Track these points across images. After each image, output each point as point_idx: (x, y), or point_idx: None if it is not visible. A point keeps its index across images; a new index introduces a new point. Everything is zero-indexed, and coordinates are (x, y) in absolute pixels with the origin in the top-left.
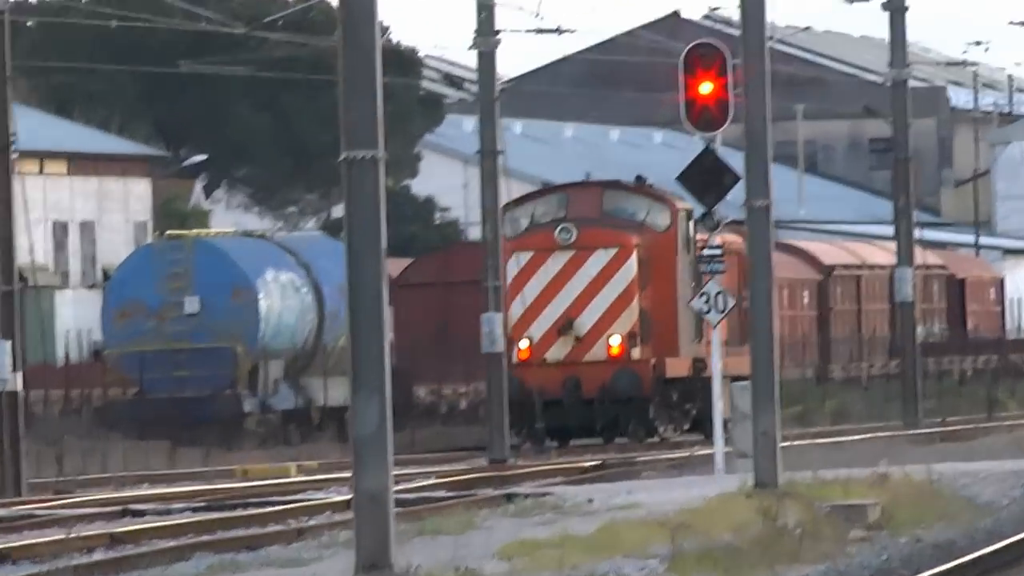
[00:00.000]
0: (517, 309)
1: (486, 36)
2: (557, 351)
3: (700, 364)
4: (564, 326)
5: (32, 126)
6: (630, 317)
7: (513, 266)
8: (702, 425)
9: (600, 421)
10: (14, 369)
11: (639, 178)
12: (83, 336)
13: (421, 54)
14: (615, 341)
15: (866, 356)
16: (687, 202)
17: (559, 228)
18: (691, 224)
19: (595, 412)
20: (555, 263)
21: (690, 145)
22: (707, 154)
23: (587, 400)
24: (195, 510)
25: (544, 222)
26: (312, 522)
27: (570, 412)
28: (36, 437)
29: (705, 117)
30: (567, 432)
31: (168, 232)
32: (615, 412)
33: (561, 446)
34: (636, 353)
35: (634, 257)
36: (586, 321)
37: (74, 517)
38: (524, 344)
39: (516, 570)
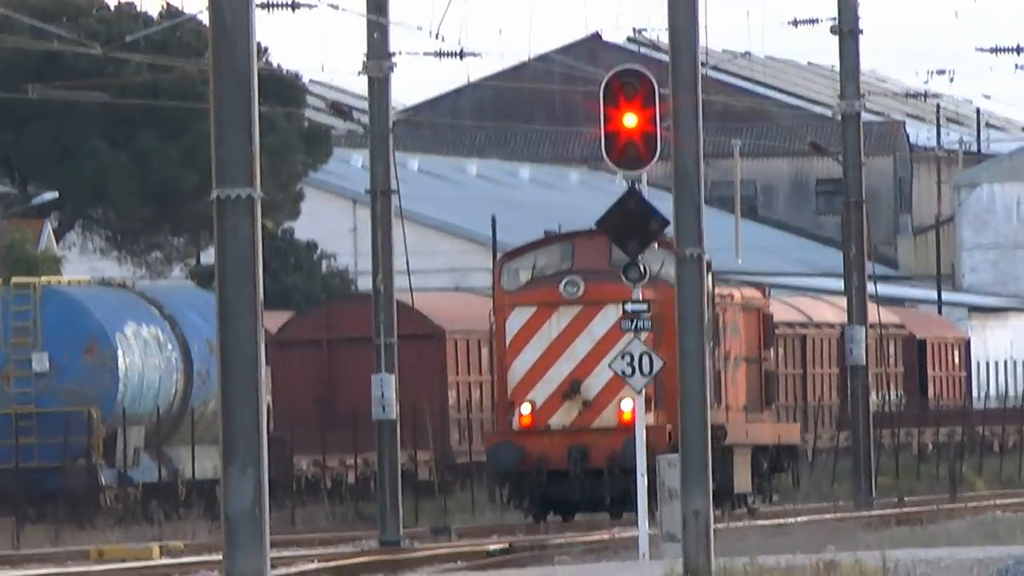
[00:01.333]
0: (518, 370)
1: (378, 60)
2: (562, 417)
3: (720, 431)
4: (570, 389)
5: None
6: None
7: (514, 323)
8: (720, 498)
9: (609, 494)
10: None
11: None
12: None
13: (305, 80)
14: (627, 406)
15: (812, 427)
16: (705, 254)
17: (564, 281)
18: (710, 278)
19: (604, 484)
20: (560, 320)
21: (611, 186)
22: (631, 196)
23: (595, 471)
24: None
25: (547, 275)
26: None
27: (576, 484)
28: None
29: (629, 154)
30: (572, 506)
31: (13, 280)
32: (626, 484)
33: (565, 521)
34: (650, 419)
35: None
36: (594, 384)
37: None
38: (526, 409)
39: None
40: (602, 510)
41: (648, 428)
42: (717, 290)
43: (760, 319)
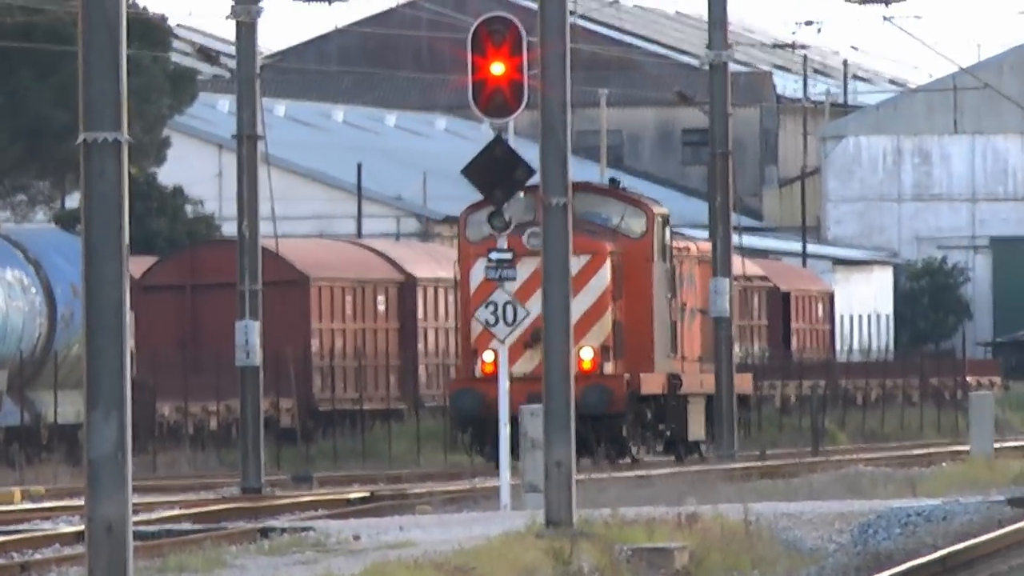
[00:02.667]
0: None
1: (246, 4)
2: (524, 365)
3: (676, 380)
4: (531, 338)
5: None
6: (603, 329)
7: (477, 273)
8: (676, 446)
9: None
10: None
11: (613, 181)
12: None
13: (172, 23)
14: (587, 355)
15: None
16: (663, 207)
17: (527, 233)
18: (667, 231)
19: None
20: (523, 270)
21: (478, 133)
22: (497, 144)
23: None
24: None
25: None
26: (38, 556)
27: None
28: None
29: (496, 102)
30: None
31: None
32: (585, 431)
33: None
34: (608, 368)
35: (607, 265)
36: None
37: None
38: (488, 357)
39: None
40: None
41: (606, 377)
42: (674, 243)
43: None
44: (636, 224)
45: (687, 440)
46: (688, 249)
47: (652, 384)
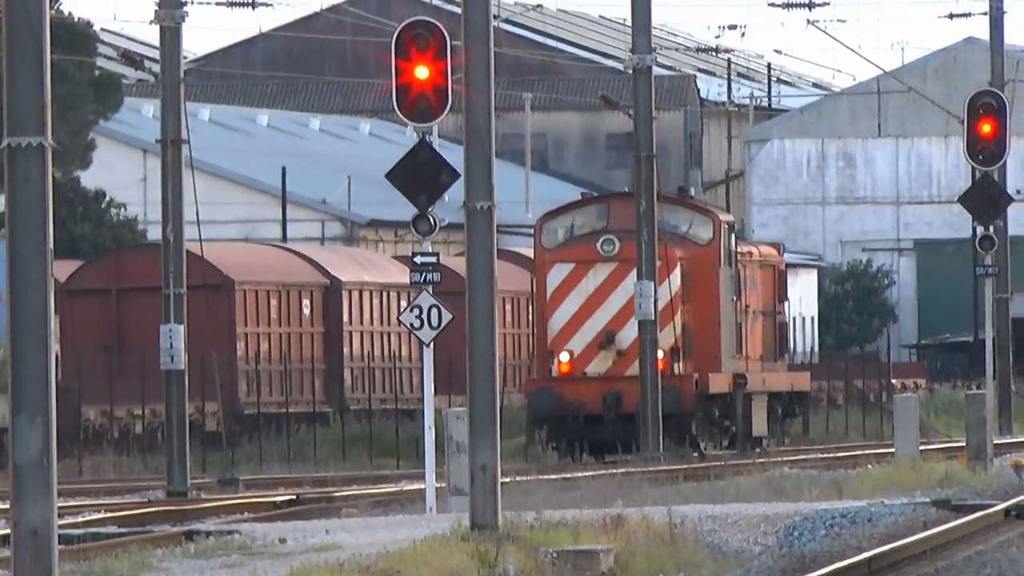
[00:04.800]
0: (557, 322)
1: (170, 9)
2: (598, 365)
3: (741, 380)
4: (605, 340)
5: None
6: (672, 332)
7: (553, 278)
8: (739, 442)
9: (641, 437)
10: None
11: (681, 189)
12: None
13: (96, 28)
14: (657, 356)
15: None
16: (729, 215)
17: (601, 240)
18: (733, 237)
19: (635, 428)
20: (597, 276)
21: (402, 137)
22: (421, 148)
23: (627, 415)
24: None
25: (584, 233)
26: None
27: (610, 428)
28: None
29: (420, 106)
30: (605, 448)
31: None
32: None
33: (598, 460)
34: (678, 368)
35: (677, 270)
36: (628, 335)
37: None
38: (565, 357)
39: None
40: (633, 452)
41: (675, 377)
42: (739, 248)
43: (775, 274)
44: (703, 231)
45: (751, 436)
46: (751, 253)
47: (719, 383)
